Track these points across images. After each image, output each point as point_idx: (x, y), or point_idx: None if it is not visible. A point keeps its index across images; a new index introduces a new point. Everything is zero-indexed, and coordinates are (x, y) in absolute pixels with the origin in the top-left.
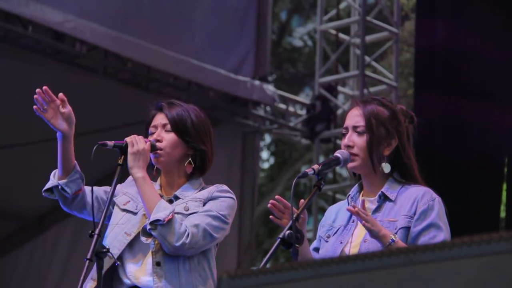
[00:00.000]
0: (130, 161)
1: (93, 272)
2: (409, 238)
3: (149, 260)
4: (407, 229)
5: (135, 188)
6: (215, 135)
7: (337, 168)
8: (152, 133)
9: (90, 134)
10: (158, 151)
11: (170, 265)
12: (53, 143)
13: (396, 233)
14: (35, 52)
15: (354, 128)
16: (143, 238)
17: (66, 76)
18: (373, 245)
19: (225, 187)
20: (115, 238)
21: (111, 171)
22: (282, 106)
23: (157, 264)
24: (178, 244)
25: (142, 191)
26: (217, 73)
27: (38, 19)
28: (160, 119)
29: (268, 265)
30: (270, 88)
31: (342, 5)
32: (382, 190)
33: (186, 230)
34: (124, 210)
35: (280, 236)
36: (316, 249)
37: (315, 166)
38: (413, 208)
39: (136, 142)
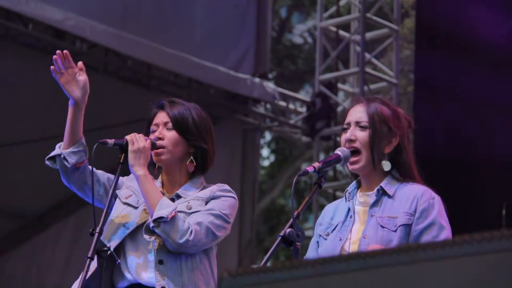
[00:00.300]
0: (131, 159)
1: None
2: (411, 237)
3: (151, 256)
4: (407, 226)
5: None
6: (216, 133)
7: (338, 166)
8: (154, 131)
9: (90, 132)
10: (159, 149)
11: (172, 263)
12: (54, 141)
13: (395, 230)
14: (35, 50)
15: (357, 123)
16: (146, 236)
17: None
18: (373, 240)
19: (226, 186)
20: (114, 230)
21: (112, 169)
22: (282, 103)
23: (160, 262)
24: (181, 241)
25: (144, 188)
26: (217, 71)
27: (39, 16)
28: (161, 117)
29: (268, 263)
30: (270, 85)
31: (342, 2)
32: (381, 184)
33: (189, 227)
34: (125, 203)
35: (281, 234)
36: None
37: (316, 164)
38: (413, 206)
39: (136, 140)
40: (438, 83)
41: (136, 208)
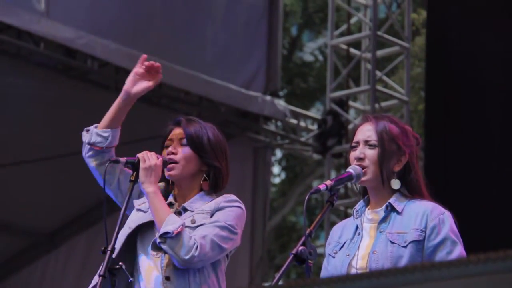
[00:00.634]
0: (142, 176)
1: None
2: (425, 254)
3: (157, 273)
4: (418, 243)
5: None
6: None
7: (349, 183)
8: (167, 146)
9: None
10: (171, 164)
11: (180, 279)
12: (65, 159)
13: (406, 246)
14: (46, 69)
15: (366, 142)
16: (153, 252)
17: (78, 92)
18: (382, 256)
19: (233, 197)
20: (122, 233)
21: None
22: (293, 121)
23: (167, 278)
24: (187, 257)
25: (153, 205)
26: (228, 89)
27: (50, 35)
28: (177, 133)
29: (280, 282)
30: (281, 103)
31: (353, 20)
32: (390, 201)
33: (195, 243)
34: (138, 209)
35: (293, 252)
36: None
37: (328, 182)
38: (423, 222)
39: (148, 158)
40: (450, 100)
41: (145, 212)
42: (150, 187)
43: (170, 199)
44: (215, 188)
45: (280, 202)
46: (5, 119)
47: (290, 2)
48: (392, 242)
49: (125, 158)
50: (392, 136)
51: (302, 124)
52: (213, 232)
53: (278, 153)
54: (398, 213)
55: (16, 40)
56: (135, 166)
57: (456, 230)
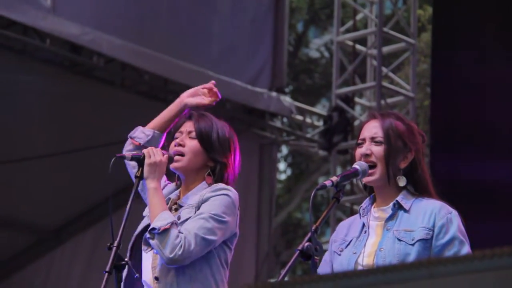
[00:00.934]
0: (146, 172)
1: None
2: (432, 253)
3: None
4: (426, 241)
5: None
6: None
7: (355, 180)
8: (176, 138)
9: (108, 146)
10: (178, 156)
11: (167, 279)
12: (71, 155)
13: (413, 244)
14: (52, 65)
15: (372, 138)
16: (144, 247)
17: (84, 89)
18: (389, 253)
19: (220, 185)
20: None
21: (128, 183)
22: (299, 117)
23: (156, 279)
24: (171, 255)
25: (152, 201)
26: (234, 85)
27: (56, 32)
28: (187, 126)
29: (286, 278)
30: (287, 99)
31: (359, 16)
32: (397, 199)
33: (180, 241)
34: (144, 216)
35: (299, 248)
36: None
37: (334, 178)
38: (431, 221)
39: (153, 154)
40: (455, 96)
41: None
42: (152, 183)
43: (176, 194)
44: (220, 183)
45: (286, 199)
46: (11, 115)
47: None
48: (399, 240)
49: (131, 153)
50: (398, 133)
51: (308, 120)
52: (196, 225)
53: (284, 150)
54: (406, 211)
55: (22, 36)
56: (140, 162)
57: (463, 229)
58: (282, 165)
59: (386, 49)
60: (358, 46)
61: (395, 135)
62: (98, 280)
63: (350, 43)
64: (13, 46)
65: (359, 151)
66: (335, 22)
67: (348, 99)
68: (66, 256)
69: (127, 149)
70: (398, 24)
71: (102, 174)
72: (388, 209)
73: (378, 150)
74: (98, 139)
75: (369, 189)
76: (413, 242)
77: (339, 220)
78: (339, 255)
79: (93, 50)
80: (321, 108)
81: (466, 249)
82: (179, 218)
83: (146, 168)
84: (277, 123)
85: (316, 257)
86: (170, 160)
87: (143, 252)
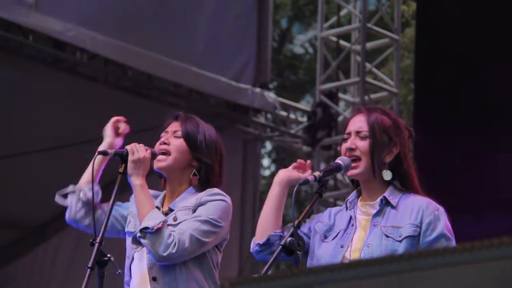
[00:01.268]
0: (130, 169)
1: None
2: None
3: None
4: (414, 238)
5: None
6: None
7: (339, 175)
8: (161, 137)
9: (91, 143)
10: (162, 155)
11: (166, 278)
12: (53, 152)
13: (401, 241)
14: (36, 61)
15: (357, 133)
16: (133, 246)
17: (67, 85)
18: (377, 250)
19: (216, 190)
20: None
21: (113, 180)
22: (283, 113)
23: (154, 279)
24: (165, 254)
25: (138, 198)
26: (218, 81)
27: (39, 28)
28: (173, 126)
29: (269, 272)
30: (271, 95)
31: (343, 12)
32: (384, 195)
33: (173, 240)
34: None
35: (282, 243)
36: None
37: (316, 173)
38: (419, 218)
39: (136, 150)
40: (439, 92)
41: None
42: (137, 179)
43: (159, 199)
44: (206, 185)
45: None
46: None
47: None
48: (387, 236)
49: (114, 150)
50: (384, 127)
51: (292, 116)
52: (192, 226)
53: (268, 146)
54: (393, 207)
55: (5, 32)
56: (123, 158)
57: (450, 226)
58: (266, 161)
59: (370, 44)
60: (342, 42)
61: (381, 130)
62: (82, 276)
63: (334, 38)
64: None
65: (344, 146)
66: (319, 18)
67: (332, 95)
68: (50, 252)
69: (81, 214)
70: (382, 20)
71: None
72: (375, 205)
73: (363, 144)
74: (81, 135)
75: (356, 183)
76: (400, 238)
77: None
78: (323, 241)
79: (76, 46)
80: (305, 104)
81: (452, 245)
82: (175, 219)
83: (130, 165)
84: (261, 119)
85: (298, 252)
86: (154, 155)
87: (132, 251)
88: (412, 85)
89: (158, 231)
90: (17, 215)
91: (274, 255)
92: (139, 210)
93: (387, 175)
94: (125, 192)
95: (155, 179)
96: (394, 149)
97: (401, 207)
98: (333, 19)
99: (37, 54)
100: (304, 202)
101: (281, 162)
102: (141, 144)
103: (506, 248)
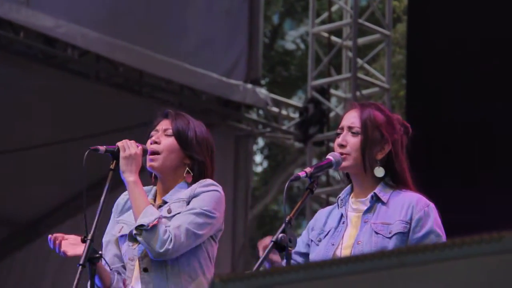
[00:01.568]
0: (122, 166)
1: None
2: None
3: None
4: (403, 234)
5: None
6: None
7: (330, 171)
8: (152, 136)
9: (82, 139)
10: (152, 155)
11: (157, 270)
12: (45, 149)
13: (390, 237)
14: (26, 58)
15: (349, 128)
16: (129, 243)
17: (58, 81)
18: (367, 247)
19: (208, 181)
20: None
21: (104, 176)
22: (275, 109)
23: (145, 270)
24: (161, 250)
25: (132, 195)
26: (209, 77)
27: (30, 24)
28: (163, 124)
29: (261, 269)
30: (262, 91)
31: (334, 8)
32: (375, 191)
33: (169, 236)
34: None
35: (273, 239)
36: (301, 254)
37: (308, 169)
38: (408, 214)
39: (128, 147)
40: (431, 87)
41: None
42: (131, 176)
43: (151, 196)
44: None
45: (262, 191)
46: None
47: None
48: (376, 233)
49: (105, 146)
50: (376, 123)
51: (284, 112)
52: (187, 220)
53: (260, 142)
54: (383, 203)
55: None
56: (115, 155)
57: (440, 222)
58: (258, 158)
59: (361, 40)
60: (333, 38)
61: (373, 126)
62: (74, 273)
63: (326, 34)
64: None
65: (336, 141)
66: (311, 14)
67: (324, 91)
68: (42, 249)
69: None
70: (373, 16)
71: (78, 167)
72: (366, 201)
73: (354, 141)
74: (72, 132)
75: (349, 179)
76: (390, 235)
77: (315, 212)
78: (317, 245)
79: (67, 43)
80: (297, 100)
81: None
82: (169, 211)
83: (122, 162)
84: (253, 115)
85: (290, 248)
86: (145, 152)
87: (127, 248)
88: (404, 80)
89: (153, 228)
90: (9, 211)
91: (266, 252)
92: (134, 207)
93: (379, 172)
94: (116, 189)
95: (146, 175)
96: (386, 146)
97: (392, 204)
98: (325, 15)
99: (28, 51)
100: (296, 198)
101: (273, 158)
102: (132, 141)
103: (496, 243)
